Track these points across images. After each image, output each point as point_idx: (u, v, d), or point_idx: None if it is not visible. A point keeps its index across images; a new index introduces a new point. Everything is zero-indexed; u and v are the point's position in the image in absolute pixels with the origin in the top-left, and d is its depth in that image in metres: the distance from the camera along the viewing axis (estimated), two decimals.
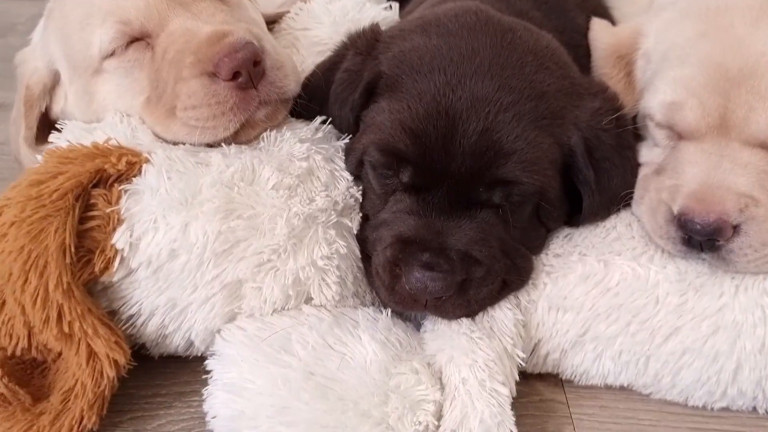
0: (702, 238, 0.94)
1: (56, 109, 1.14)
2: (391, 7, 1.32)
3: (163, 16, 1.01)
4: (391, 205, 0.98)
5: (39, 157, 1.04)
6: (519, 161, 0.93)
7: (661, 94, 1.02)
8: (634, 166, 1.07)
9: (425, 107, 0.94)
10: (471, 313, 0.97)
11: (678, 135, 1.02)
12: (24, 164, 1.15)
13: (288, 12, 1.27)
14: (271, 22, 1.27)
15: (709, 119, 0.97)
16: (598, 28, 1.20)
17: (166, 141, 1.02)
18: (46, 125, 1.15)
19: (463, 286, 0.93)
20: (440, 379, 0.93)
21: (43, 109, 1.13)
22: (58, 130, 1.09)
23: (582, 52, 1.18)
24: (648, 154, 1.08)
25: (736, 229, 0.93)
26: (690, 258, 0.99)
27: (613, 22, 1.28)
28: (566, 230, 1.07)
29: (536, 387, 1.05)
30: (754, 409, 1.00)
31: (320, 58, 1.16)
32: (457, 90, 0.94)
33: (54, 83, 1.12)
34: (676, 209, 0.96)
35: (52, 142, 1.05)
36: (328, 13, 1.23)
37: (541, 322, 1.01)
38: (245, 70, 0.96)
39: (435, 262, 0.91)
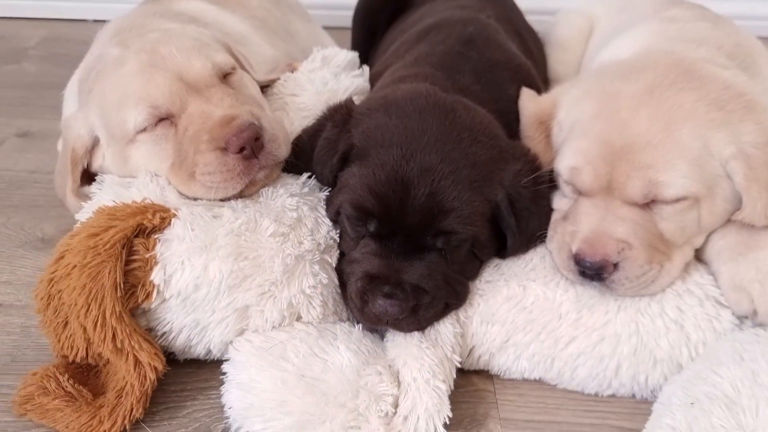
0: (592, 272, 1.26)
1: (95, 165, 1.42)
2: (362, 71, 1.61)
3: (184, 101, 1.30)
4: (361, 247, 1.29)
5: (82, 204, 1.35)
6: (456, 216, 1.24)
7: (566, 159, 1.33)
8: (548, 212, 1.38)
9: (386, 175, 1.24)
10: (421, 328, 1.28)
11: (578, 191, 1.33)
12: (69, 207, 1.44)
13: (278, 78, 1.56)
14: (265, 86, 1.56)
15: (599, 182, 1.27)
16: (525, 97, 1.49)
17: (188, 197, 1.31)
18: (86, 175, 1.44)
19: (414, 309, 1.24)
20: (398, 377, 1.24)
21: (85, 166, 1.41)
22: (95, 180, 1.39)
23: (513, 117, 1.48)
24: (559, 202, 1.38)
25: (616, 266, 1.24)
26: (585, 285, 1.30)
27: (539, 90, 1.57)
28: (496, 261, 1.38)
29: (472, 380, 1.37)
30: (633, 395, 1.32)
31: (306, 122, 1.46)
32: (410, 162, 1.24)
33: (94, 145, 1.40)
34: (573, 250, 1.28)
35: (93, 192, 1.36)
36: (311, 82, 1.52)
37: (475, 332, 1.33)
38: (249, 146, 1.26)
39: (393, 293, 1.22)
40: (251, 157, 1.27)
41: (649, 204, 1.26)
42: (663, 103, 1.25)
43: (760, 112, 1.27)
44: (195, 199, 1.31)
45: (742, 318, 1.27)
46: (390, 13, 2.16)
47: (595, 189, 1.29)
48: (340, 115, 1.36)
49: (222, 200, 1.31)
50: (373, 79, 1.66)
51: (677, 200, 1.24)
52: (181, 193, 1.32)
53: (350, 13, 2.24)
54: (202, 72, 1.32)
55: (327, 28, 2.40)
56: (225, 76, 1.37)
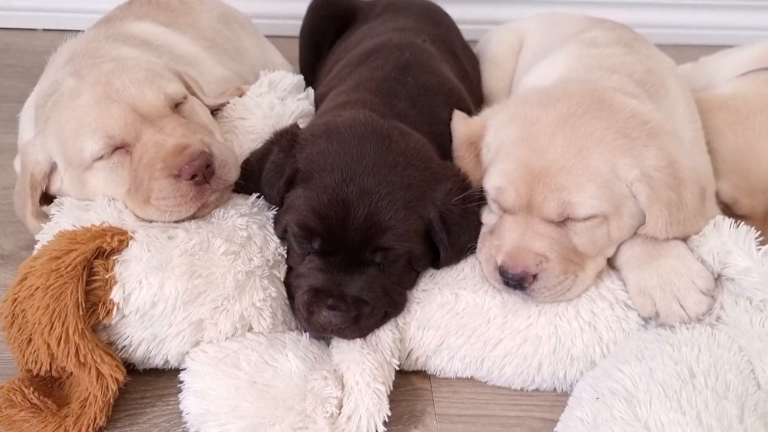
0: (514, 282, 1.40)
1: (53, 188, 1.50)
2: (307, 94, 1.72)
3: (138, 131, 1.39)
4: (306, 262, 1.41)
5: (42, 225, 1.43)
6: (393, 234, 1.36)
7: (492, 179, 1.46)
8: (478, 227, 1.51)
9: (328, 197, 1.36)
10: (363, 335, 1.41)
11: (503, 209, 1.47)
12: (29, 228, 1.52)
13: (227, 102, 1.66)
14: (215, 109, 1.66)
15: (520, 202, 1.41)
16: (456, 120, 1.62)
17: (144, 220, 1.41)
18: (44, 197, 1.52)
19: (356, 318, 1.37)
20: (342, 381, 1.36)
21: (44, 189, 1.49)
22: (54, 200, 1.48)
23: (446, 139, 1.60)
24: (487, 217, 1.52)
25: (535, 276, 1.38)
26: (510, 293, 1.45)
27: (470, 112, 1.69)
28: (431, 271, 1.52)
29: (410, 380, 1.50)
30: (554, 389, 1.47)
31: (254, 145, 1.57)
32: (350, 185, 1.36)
33: (52, 170, 1.48)
34: (498, 263, 1.42)
35: (52, 213, 1.44)
36: (258, 107, 1.63)
37: (412, 337, 1.46)
38: (200, 172, 1.36)
39: (336, 305, 1.35)
40: (203, 182, 1.38)
41: (563, 221, 1.40)
42: (576, 130, 1.39)
43: (662, 137, 1.42)
44: (151, 221, 1.41)
45: (647, 319, 1.43)
46: (335, 29, 2.26)
47: (517, 207, 1.42)
48: (286, 140, 1.47)
49: (176, 222, 1.41)
50: (318, 100, 1.77)
51: (588, 218, 1.38)
52: (137, 216, 1.41)
53: (300, 23, 2.33)
54: (154, 103, 1.41)
55: (277, 37, 2.49)
56: (177, 106, 1.47)
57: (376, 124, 1.45)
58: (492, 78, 2.15)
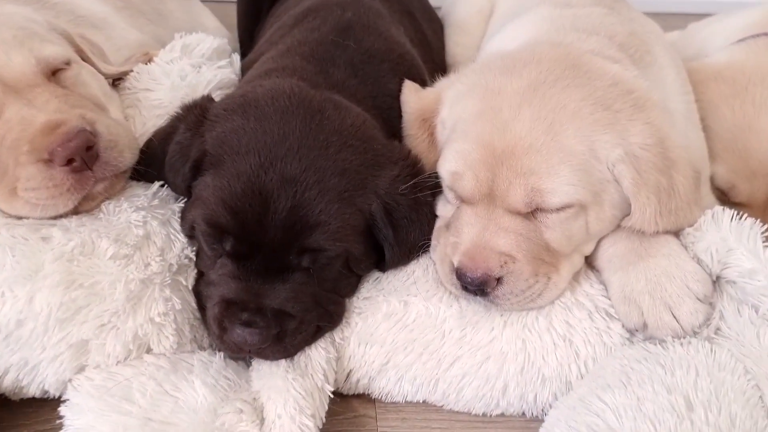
0: (474, 287, 1.16)
1: None
2: (231, 61, 1.45)
3: (0, 104, 1.10)
4: (218, 267, 1.14)
5: None
6: (323, 232, 1.11)
7: (447, 162, 1.21)
8: (431, 220, 1.27)
9: (242, 187, 1.10)
10: (289, 355, 1.16)
11: (461, 198, 1.22)
12: None
13: (131, 71, 1.37)
14: (118, 78, 1.38)
15: (481, 189, 1.17)
16: (407, 92, 1.37)
17: (11, 216, 1.13)
18: None
19: (279, 336, 1.11)
20: (262, 413, 1.12)
21: None
22: None
23: (394, 114, 1.36)
24: (443, 209, 1.28)
25: (499, 280, 1.15)
26: (469, 299, 1.21)
27: (424, 83, 1.44)
28: (376, 275, 1.27)
29: (352, 404, 1.27)
30: (523, 413, 1.25)
31: (160, 121, 1.29)
32: (269, 172, 1.10)
33: None
34: (455, 264, 1.18)
35: None
36: (167, 76, 1.35)
37: (352, 355, 1.22)
38: (79, 156, 1.09)
39: (252, 320, 1.09)
40: (83, 168, 1.10)
41: (532, 212, 1.16)
42: (546, 102, 1.15)
43: (649, 110, 1.18)
44: (20, 218, 1.13)
45: (633, 331, 1.20)
46: None
47: (477, 196, 1.18)
48: (194, 116, 1.20)
49: (52, 219, 1.13)
50: (245, 69, 1.49)
51: (562, 208, 1.15)
52: (2, 211, 1.13)
53: None
54: (22, 69, 1.13)
55: (217, 2, 2.21)
56: (55, 73, 1.18)
57: (305, 96, 1.19)
58: (457, 45, 1.90)
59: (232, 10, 2.18)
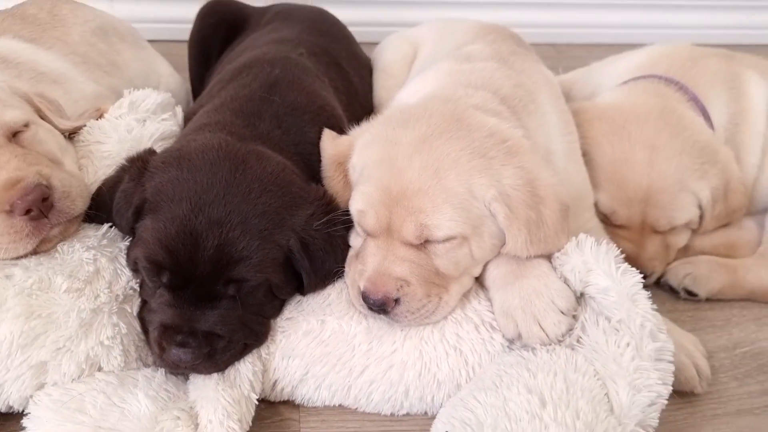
0: (376, 308, 1.37)
1: None
2: (173, 113, 1.65)
3: None
4: (157, 297, 1.34)
5: None
6: (246, 265, 1.31)
7: (354, 202, 1.42)
8: (344, 250, 1.47)
9: (176, 229, 1.30)
10: (220, 370, 1.36)
11: (366, 232, 1.43)
12: None
13: (85, 125, 1.57)
14: (73, 133, 1.58)
15: (381, 225, 1.37)
16: (325, 139, 1.57)
17: None
18: None
19: (209, 354, 1.31)
20: (197, 420, 1.32)
21: None
22: None
23: (314, 159, 1.55)
24: (354, 240, 1.48)
25: (397, 301, 1.35)
26: (375, 317, 1.42)
27: (342, 129, 1.64)
28: (298, 297, 1.47)
29: (279, 410, 1.46)
30: (426, 413, 1.44)
31: (109, 171, 1.48)
32: (198, 215, 1.30)
33: None
34: (361, 288, 1.39)
35: None
36: (115, 130, 1.55)
37: (277, 367, 1.42)
38: (36, 207, 1.29)
39: (186, 341, 1.29)
40: (40, 217, 1.30)
41: (423, 244, 1.36)
42: (433, 152, 1.36)
43: (521, 155, 1.40)
44: None
45: (511, 340, 1.41)
46: (224, 37, 2.19)
47: (378, 231, 1.39)
48: (136, 167, 1.40)
49: (14, 259, 1.33)
50: (188, 119, 1.69)
51: (446, 240, 1.35)
52: None
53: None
54: None
55: (171, 42, 2.40)
56: (15, 134, 1.38)
57: (231, 149, 1.40)
58: (383, 89, 2.11)
59: (183, 49, 2.37)
